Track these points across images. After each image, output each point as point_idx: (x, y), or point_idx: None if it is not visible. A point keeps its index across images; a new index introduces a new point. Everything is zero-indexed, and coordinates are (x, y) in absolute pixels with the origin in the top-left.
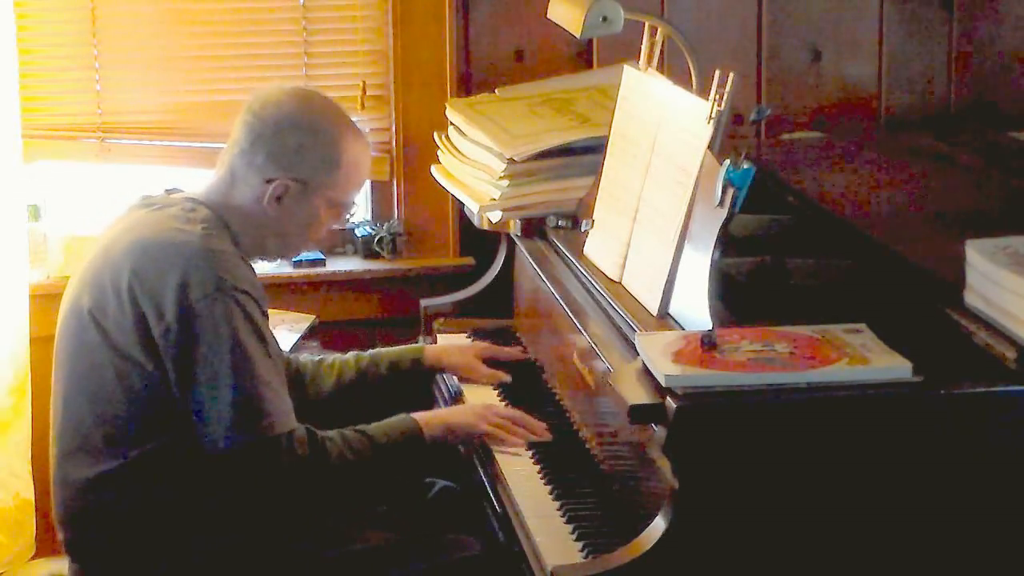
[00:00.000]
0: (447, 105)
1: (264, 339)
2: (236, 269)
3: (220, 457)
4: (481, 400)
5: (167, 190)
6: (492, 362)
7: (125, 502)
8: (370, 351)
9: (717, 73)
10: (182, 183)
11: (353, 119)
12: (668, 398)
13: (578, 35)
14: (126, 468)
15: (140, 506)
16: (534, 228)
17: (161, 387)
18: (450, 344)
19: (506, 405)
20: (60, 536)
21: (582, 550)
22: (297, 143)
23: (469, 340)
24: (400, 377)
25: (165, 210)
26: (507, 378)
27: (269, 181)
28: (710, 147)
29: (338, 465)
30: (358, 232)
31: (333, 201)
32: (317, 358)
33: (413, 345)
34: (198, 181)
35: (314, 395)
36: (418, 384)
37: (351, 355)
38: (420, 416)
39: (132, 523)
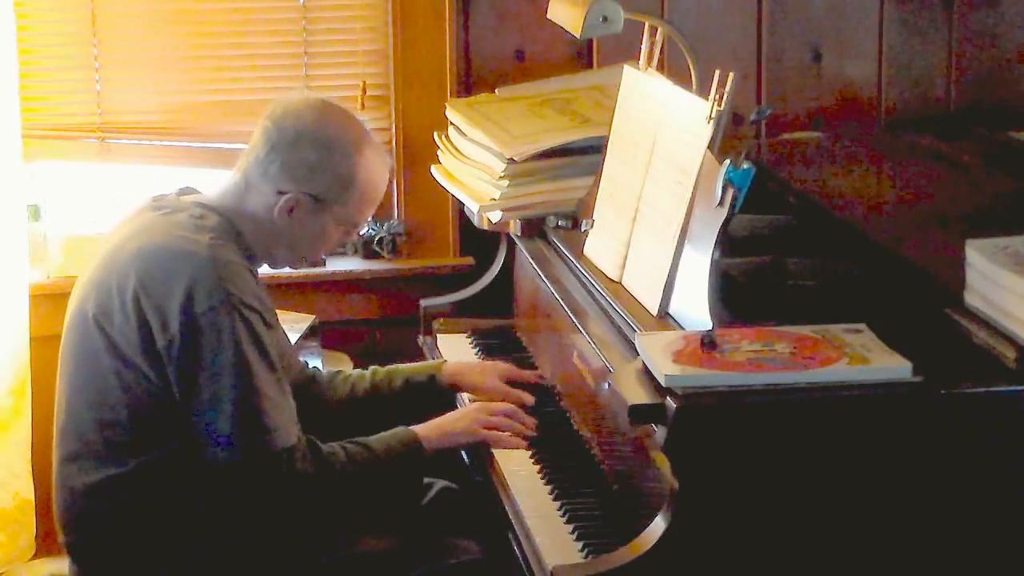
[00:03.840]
0: (447, 105)
1: (267, 353)
2: (243, 281)
3: (222, 469)
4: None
5: (180, 190)
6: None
7: (127, 508)
8: (389, 366)
9: (717, 73)
10: (196, 183)
11: None
12: (668, 398)
13: (578, 35)
14: (128, 475)
15: (142, 512)
16: (534, 228)
17: (164, 396)
18: (472, 363)
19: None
20: (61, 539)
21: (582, 550)
22: (313, 158)
23: (469, 340)
24: (415, 392)
25: (174, 215)
26: (530, 400)
27: (281, 193)
28: (710, 147)
29: (341, 479)
30: None
31: (344, 219)
32: (336, 370)
33: (433, 361)
34: (213, 182)
35: (324, 405)
36: (436, 402)
37: (369, 369)
38: (420, 428)
39: (134, 528)
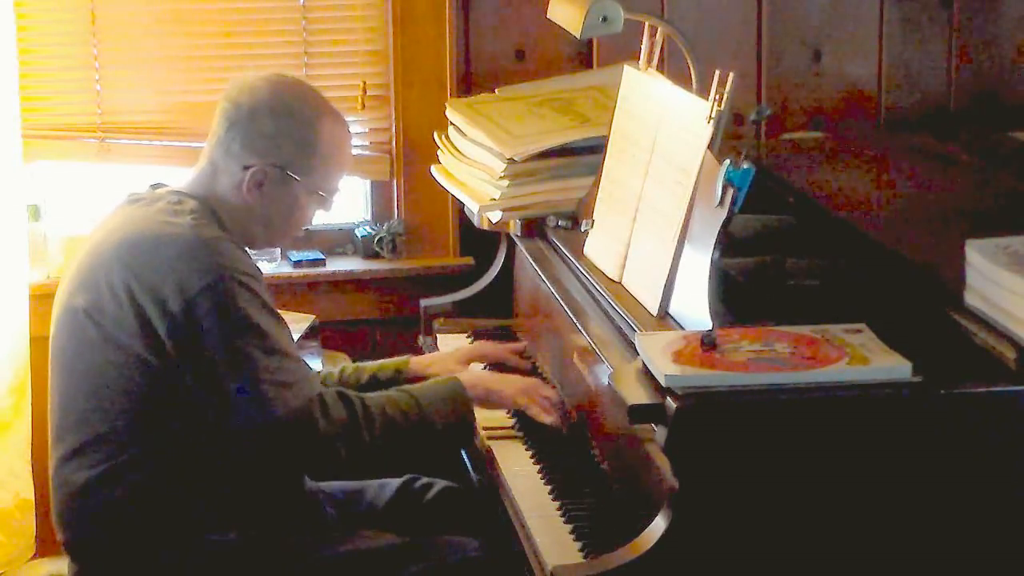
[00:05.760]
0: (447, 105)
1: (274, 312)
2: (231, 252)
3: (257, 434)
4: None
5: (152, 185)
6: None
7: (127, 501)
8: (357, 363)
9: (717, 73)
10: (168, 178)
11: (352, 119)
12: (668, 398)
13: (578, 35)
14: (127, 467)
15: (139, 506)
16: (534, 228)
17: (165, 380)
18: (436, 355)
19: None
20: (59, 537)
21: (582, 550)
22: (272, 128)
23: (469, 340)
24: (381, 387)
25: (152, 205)
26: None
27: (247, 168)
28: (710, 147)
29: (381, 423)
30: (358, 232)
31: (314, 187)
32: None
33: (400, 358)
34: (183, 175)
35: None
36: None
37: (339, 367)
38: (465, 377)
39: (131, 523)
